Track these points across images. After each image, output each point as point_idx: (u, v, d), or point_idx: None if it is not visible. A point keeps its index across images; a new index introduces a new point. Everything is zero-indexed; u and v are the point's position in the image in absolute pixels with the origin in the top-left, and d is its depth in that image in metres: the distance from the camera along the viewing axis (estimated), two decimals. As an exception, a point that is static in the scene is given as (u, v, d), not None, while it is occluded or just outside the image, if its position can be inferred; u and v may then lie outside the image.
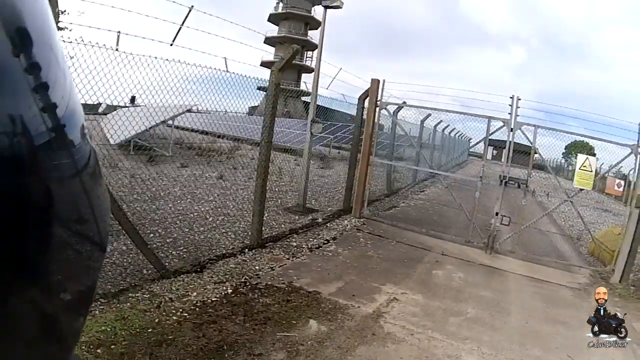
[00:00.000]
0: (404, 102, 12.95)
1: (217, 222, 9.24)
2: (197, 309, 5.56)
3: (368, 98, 11.76)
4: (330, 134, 25.14)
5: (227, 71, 8.57)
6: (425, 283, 7.95)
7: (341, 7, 12.06)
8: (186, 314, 5.38)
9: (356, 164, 12.34)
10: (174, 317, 5.27)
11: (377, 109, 11.68)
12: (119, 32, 6.56)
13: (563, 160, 45.64)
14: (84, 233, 1.26)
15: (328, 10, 12.24)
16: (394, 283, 7.60)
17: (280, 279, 6.93)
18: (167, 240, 7.79)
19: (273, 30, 75.72)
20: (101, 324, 4.83)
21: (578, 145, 41.98)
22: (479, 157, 29.64)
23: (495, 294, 7.99)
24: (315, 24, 76.76)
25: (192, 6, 8.01)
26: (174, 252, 7.32)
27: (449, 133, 26.57)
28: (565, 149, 41.46)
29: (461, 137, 32.47)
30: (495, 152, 34.99)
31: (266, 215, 9.05)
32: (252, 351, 4.81)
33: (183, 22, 7.86)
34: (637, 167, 9.92)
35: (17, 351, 1.01)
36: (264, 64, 64.78)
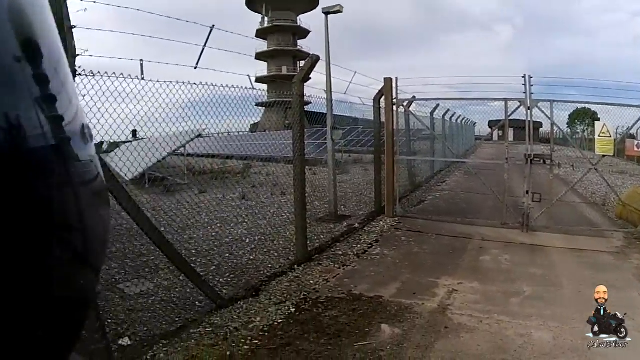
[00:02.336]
0: (414, 97, 12.96)
1: (255, 242, 9.21)
2: (267, 333, 5.49)
3: (383, 97, 11.77)
4: (340, 139, 25.08)
5: (253, 88, 8.51)
6: (476, 270, 7.99)
7: (342, 12, 12.08)
8: (257, 341, 5.30)
9: (381, 164, 12.33)
10: (246, 347, 5.19)
11: (395, 107, 11.70)
12: (141, 60, 6.42)
13: (568, 130, 45.49)
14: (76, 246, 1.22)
15: (321, 16, 12.36)
16: (448, 275, 7.62)
17: (339, 289, 6.91)
18: (211, 269, 7.71)
19: (262, 46, 76.00)
20: (172, 368, 4.78)
21: (580, 112, 41.77)
22: (487, 140, 29.65)
23: (543, 270, 8.06)
24: (302, 34, 77.09)
25: (214, 25, 7.95)
26: (221, 280, 7.26)
27: (456, 120, 26.50)
28: (568, 118, 41.15)
29: (466, 123, 32.35)
30: (500, 132, 35.05)
31: None
32: (337, 367, 4.78)
33: (205, 43, 7.77)
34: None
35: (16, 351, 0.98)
36: (259, 80, 65.09)
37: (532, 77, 10.66)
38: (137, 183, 14.94)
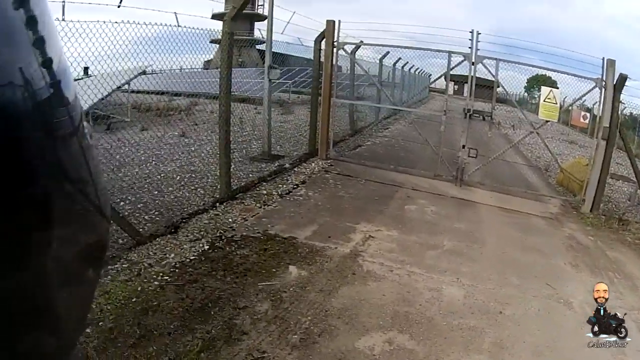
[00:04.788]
0: (361, 42, 12.82)
1: (185, 180, 9.07)
2: (177, 270, 5.47)
3: (324, 40, 11.58)
4: (287, 79, 24.65)
5: (179, 25, 8.27)
6: (399, 219, 8.00)
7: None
8: (167, 277, 5.28)
9: (318, 106, 12.21)
10: (156, 282, 5.16)
11: (335, 49, 11.51)
12: (63, 1, 6.15)
13: (526, 94, 45.90)
14: (85, 195, 1.28)
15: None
16: (368, 221, 7.62)
17: (255, 228, 6.89)
18: (138, 206, 7.52)
19: (222, -18, 73.75)
20: (84, 303, 4.71)
21: (540, 79, 41.79)
22: (441, 93, 29.76)
23: (469, 226, 8.10)
24: (264, -31, 74.76)
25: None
26: (146, 217, 7.11)
27: (409, 70, 26.42)
28: (527, 82, 41.34)
29: (421, 74, 32.30)
30: (456, 87, 35.10)
31: (233, 166, 8.90)
32: (237, 304, 4.80)
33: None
34: (601, 101, 10.07)
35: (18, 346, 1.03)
36: (215, 16, 63.51)
37: (480, 34, 10.55)
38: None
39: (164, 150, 11.46)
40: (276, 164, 10.76)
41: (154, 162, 10.38)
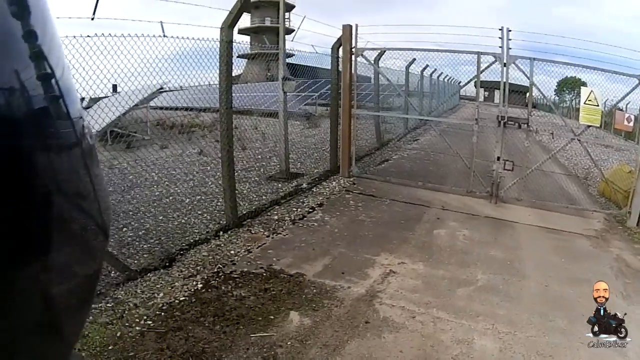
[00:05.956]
0: (385, 48, 12.10)
1: (194, 203, 8.44)
2: (163, 313, 4.75)
3: (342, 47, 10.89)
4: (314, 91, 24.28)
5: (165, 36, 7.72)
6: (425, 247, 7.15)
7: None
8: (150, 322, 4.58)
9: (338, 119, 11.52)
10: (137, 328, 4.46)
11: (353, 56, 10.77)
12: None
13: (557, 98, 44.27)
14: (85, 210, 1.25)
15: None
16: (390, 251, 6.80)
17: (258, 262, 6.13)
18: (139, 233, 6.91)
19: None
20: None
21: (569, 81, 40.32)
22: (471, 100, 29.01)
23: (506, 253, 7.22)
24: (287, -15, 75.39)
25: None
26: (145, 246, 6.45)
27: (437, 77, 25.83)
28: (557, 85, 39.88)
29: (451, 81, 31.73)
30: (486, 93, 34.45)
31: (247, 187, 8.52)
32: (221, 362, 4.04)
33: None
34: (647, 102, 9.00)
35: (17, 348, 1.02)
36: (242, 31, 64.29)
37: (510, 31, 9.68)
38: (99, 140, 14.20)
39: (179, 170, 10.91)
40: (293, 184, 10.07)
41: (166, 183, 9.83)
